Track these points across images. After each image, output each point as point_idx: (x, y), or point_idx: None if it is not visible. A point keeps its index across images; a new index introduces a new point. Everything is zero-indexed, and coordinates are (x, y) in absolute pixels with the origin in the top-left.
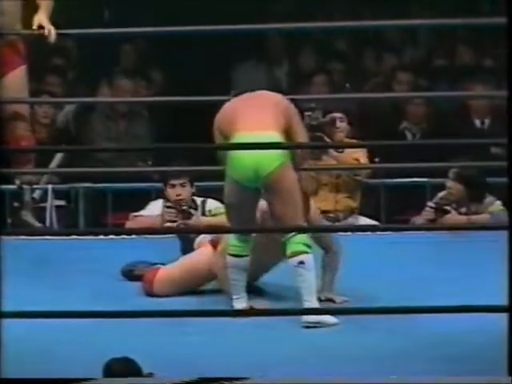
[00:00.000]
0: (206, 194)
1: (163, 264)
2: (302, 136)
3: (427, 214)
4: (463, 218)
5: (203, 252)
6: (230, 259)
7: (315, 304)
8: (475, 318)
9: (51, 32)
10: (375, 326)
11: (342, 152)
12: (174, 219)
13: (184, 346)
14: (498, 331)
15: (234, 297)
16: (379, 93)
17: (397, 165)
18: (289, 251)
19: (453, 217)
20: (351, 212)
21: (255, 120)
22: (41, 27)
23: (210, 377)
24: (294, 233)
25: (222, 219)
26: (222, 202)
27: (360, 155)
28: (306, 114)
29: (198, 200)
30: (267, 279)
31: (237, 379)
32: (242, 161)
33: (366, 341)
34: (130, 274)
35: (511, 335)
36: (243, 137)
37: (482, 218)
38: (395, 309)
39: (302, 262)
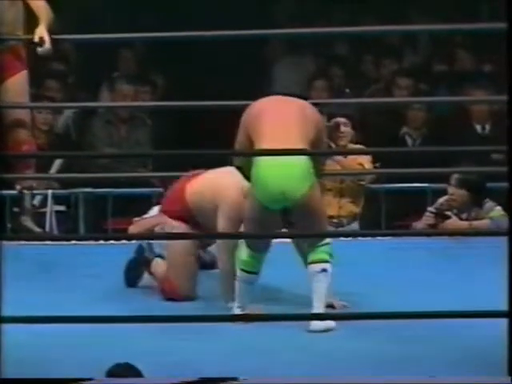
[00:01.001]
0: None
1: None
2: (324, 146)
3: (427, 219)
4: (464, 224)
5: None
6: (240, 273)
7: (323, 310)
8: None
9: (48, 46)
10: (376, 331)
11: (345, 157)
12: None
13: (183, 351)
14: (497, 334)
15: (238, 306)
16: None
17: (398, 170)
18: (314, 257)
19: (454, 222)
20: (354, 217)
21: (282, 136)
22: (41, 40)
23: (208, 377)
24: (319, 242)
25: None
26: None
27: (364, 160)
28: None
29: None
30: (271, 284)
31: (232, 379)
32: (269, 183)
33: (366, 345)
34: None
35: (511, 339)
36: (267, 162)
37: (483, 223)
38: (396, 314)
39: (324, 270)
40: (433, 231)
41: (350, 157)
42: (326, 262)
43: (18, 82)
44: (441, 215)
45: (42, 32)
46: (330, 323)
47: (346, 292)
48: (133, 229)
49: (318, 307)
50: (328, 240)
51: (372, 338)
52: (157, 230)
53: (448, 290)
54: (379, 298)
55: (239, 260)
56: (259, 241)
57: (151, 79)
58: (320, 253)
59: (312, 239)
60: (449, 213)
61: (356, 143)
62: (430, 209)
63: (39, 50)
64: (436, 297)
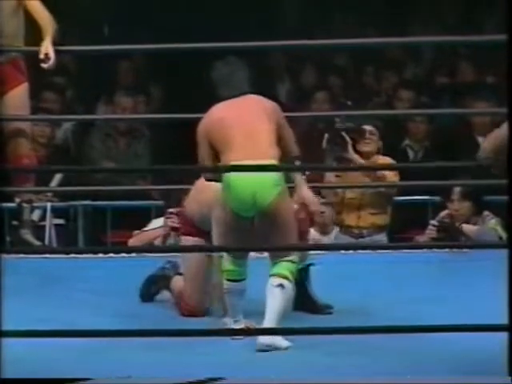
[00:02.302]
0: None
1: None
2: (290, 135)
3: (430, 232)
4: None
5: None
6: (227, 284)
7: (274, 325)
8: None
9: (52, 61)
10: (376, 345)
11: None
12: (177, 226)
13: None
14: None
15: (233, 319)
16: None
17: (411, 183)
18: (274, 270)
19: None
20: (378, 229)
21: (249, 144)
22: (47, 56)
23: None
24: (284, 257)
25: None
26: None
27: (386, 172)
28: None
29: None
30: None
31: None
32: (241, 191)
33: (365, 360)
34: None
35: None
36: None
37: (473, 228)
38: (397, 327)
39: (281, 285)
40: (432, 244)
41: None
42: (285, 278)
43: (19, 95)
44: (443, 229)
45: (47, 48)
46: (285, 342)
47: (346, 306)
48: (132, 242)
49: (270, 321)
50: (294, 258)
51: (371, 352)
52: (157, 243)
53: (448, 303)
54: (380, 311)
55: (224, 271)
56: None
57: (149, 90)
58: (282, 268)
59: (275, 254)
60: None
61: (383, 155)
62: (433, 222)
63: (44, 65)
64: (436, 310)
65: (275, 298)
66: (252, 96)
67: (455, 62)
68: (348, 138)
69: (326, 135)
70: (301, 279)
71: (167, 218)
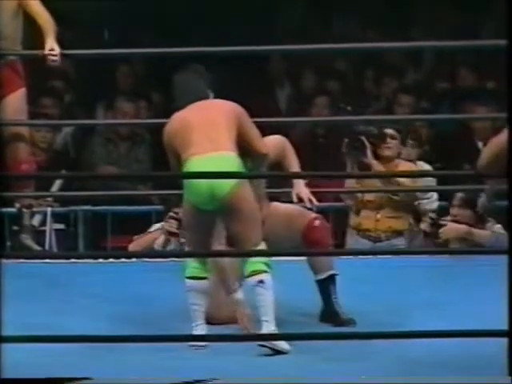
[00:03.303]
0: None
1: None
2: (254, 133)
3: (425, 226)
4: (463, 227)
5: None
6: (189, 282)
7: (273, 324)
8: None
9: (58, 58)
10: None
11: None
12: (175, 231)
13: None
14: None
15: (193, 324)
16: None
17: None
18: (248, 270)
19: (452, 226)
20: (397, 234)
21: (208, 139)
22: (52, 51)
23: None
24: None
25: None
26: None
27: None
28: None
29: None
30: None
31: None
32: (198, 184)
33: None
34: None
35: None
36: (197, 160)
37: (485, 234)
38: (395, 333)
39: (261, 281)
40: (434, 250)
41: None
42: (263, 272)
43: (18, 99)
44: (437, 225)
45: (52, 44)
46: (286, 345)
47: (345, 311)
48: (132, 247)
49: (267, 321)
50: (261, 246)
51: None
52: (156, 246)
53: (447, 308)
54: (378, 317)
55: (188, 269)
56: (200, 246)
57: (149, 96)
58: (255, 264)
59: (242, 245)
60: (445, 221)
61: (404, 160)
62: (430, 215)
63: (50, 62)
64: (435, 315)
65: (262, 296)
66: (211, 99)
67: (455, 67)
68: (367, 143)
69: (346, 139)
70: (327, 291)
71: (166, 221)
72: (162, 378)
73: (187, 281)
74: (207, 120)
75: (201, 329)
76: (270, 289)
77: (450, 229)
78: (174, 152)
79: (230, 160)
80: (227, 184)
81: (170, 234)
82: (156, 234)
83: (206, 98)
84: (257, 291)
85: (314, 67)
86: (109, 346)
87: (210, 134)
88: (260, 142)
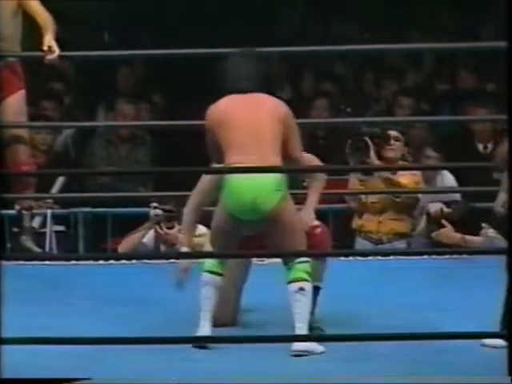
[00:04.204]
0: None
1: None
2: (296, 142)
3: (421, 223)
4: (457, 236)
5: None
6: (206, 276)
7: (306, 331)
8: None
9: (56, 54)
10: (376, 352)
11: (394, 173)
12: (160, 219)
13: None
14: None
15: (201, 323)
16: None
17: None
18: (291, 276)
19: (448, 233)
20: (399, 236)
21: (252, 146)
22: (50, 48)
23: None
24: (296, 260)
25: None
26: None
27: (406, 178)
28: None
29: None
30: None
31: None
32: (241, 195)
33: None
34: None
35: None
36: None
37: (476, 239)
38: (396, 335)
39: (302, 289)
40: (432, 250)
41: (400, 172)
42: (304, 280)
43: (17, 101)
44: (436, 222)
45: (50, 40)
46: (320, 347)
47: (344, 313)
48: (121, 247)
49: (301, 328)
50: (305, 259)
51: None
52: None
53: (447, 309)
54: (379, 318)
55: (206, 263)
56: (225, 250)
57: (150, 98)
58: (298, 271)
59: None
60: (444, 221)
61: (406, 161)
62: (428, 209)
63: (48, 58)
64: (436, 316)
65: (299, 302)
66: (263, 96)
67: (455, 68)
68: (370, 143)
69: (349, 140)
70: None
71: (153, 212)
72: (162, 378)
73: (204, 274)
74: (254, 121)
75: (207, 326)
76: (309, 297)
77: (445, 235)
78: (214, 140)
79: (272, 176)
80: (272, 199)
81: (157, 224)
82: (143, 232)
83: (254, 86)
84: (296, 297)
85: (314, 69)
86: (109, 347)
87: (255, 139)
88: (297, 151)
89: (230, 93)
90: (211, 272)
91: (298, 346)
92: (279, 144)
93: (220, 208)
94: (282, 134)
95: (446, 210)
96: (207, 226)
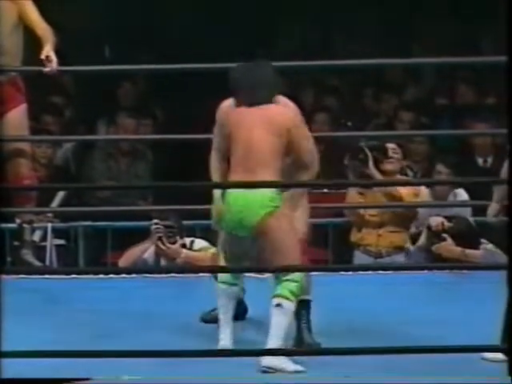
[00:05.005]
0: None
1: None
2: (305, 149)
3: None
4: (458, 250)
5: None
6: (221, 287)
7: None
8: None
9: (54, 66)
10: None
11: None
12: (161, 234)
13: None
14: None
15: (220, 335)
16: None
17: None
18: (275, 291)
19: (448, 246)
20: (398, 249)
21: (249, 164)
22: (48, 58)
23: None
24: (284, 277)
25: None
26: (209, 240)
27: (406, 192)
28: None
29: (187, 240)
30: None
31: None
32: (231, 210)
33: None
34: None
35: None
36: (235, 193)
37: (478, 253)
38: (395, 349)
39: (279, 305)
40: (432, 265)
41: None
42: (285, 298)
43: (19, 115)
44: (437, 235)
45: (48, 51)
46: (289, 364)
47: (344, 327)
48: (122, 262)
49: (271, 344)
50: (294, 276)
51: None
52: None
53: (448, 323)
54: (377, 332)
55: (220, 276)
56: (237, 262)
57: (152, 113)
58: (281, 288)
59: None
60: (445, 235)
61: (405, 175)
62: (430, 222)
63: (46, 69)
64: (437, 330)
65: (276, 318)
66: (266, 107)
67: (455, 83)
68: (370, 154)
69: (348, 153)
70: (298, 315)
71: (154, 228)
72: (162, 378)
73: (219, 285)
74: (251, 140)
75: (227, 339)
76: (288, 316)
77: (446, 249)
78: (225, 141)
79: (261, 194)
80: (257, 213)
81: (159, 247)
82: (144, 247)
83: (268, 94)
84: (274, 312)
85: (314, 84)
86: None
87: (252, 150)
88: (308, 156)
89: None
90: (226, 283)
91: (266, 361)
92: (280, 158)
93: (221, 223)
94: (283, 147)
95: (446, 223)
96: (207, 240)
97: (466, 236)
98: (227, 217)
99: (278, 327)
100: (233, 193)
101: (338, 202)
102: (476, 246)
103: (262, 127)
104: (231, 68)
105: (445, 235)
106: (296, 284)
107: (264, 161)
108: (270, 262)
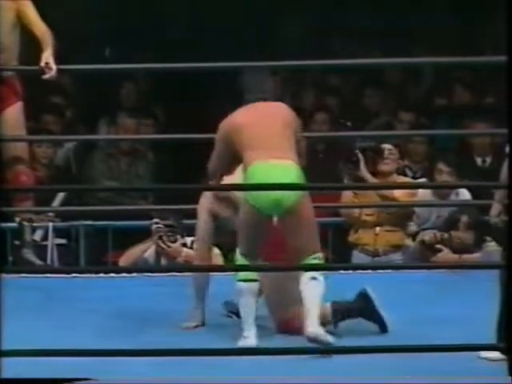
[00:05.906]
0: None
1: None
2: (301, 148)
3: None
4: (455, 257)
5: None
6: (241, 285)
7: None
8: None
9: (53, 72)
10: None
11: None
12: (162, 233)
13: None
14: None
15: (245, 333)
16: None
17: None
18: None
19: (446, 255)
20: (395, 248)
21: (271, 145)
22: (47, 65)
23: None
24: (311, 255)
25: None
26: None
27: (401, 193)
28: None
29: (188, 239)
30: None
31: None
32: (264, 191)
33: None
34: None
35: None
36: (261, 167)
37: (474, 257)
38: (395, 347)
39: (314, 278)
40: (430, 265)
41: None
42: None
43: (14, 114)
44: (431, 248)
45: (47, 57)
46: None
47: (342, 326)
48: (123, 261)
49: (313, 312)
50: (319, 255)
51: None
52: (147, 256)
53: (446, 322)
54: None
55: (239, 273)
56: (254, 247)
57: (153, 113)
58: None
59: (301, 253)
60: (440, 246)
61: (403, 175)
62: (425, 234)
63: (46, 76)
64: (435, 329)
65: (312, 289)
66: (273, 103)
67: (454, 83)
68: (361, 156)
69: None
70: None
71: (155, 227)
72: (162, 378)
73: (239, 284)
74: (268, 126)
75: (252, 337)
76: (321, 288)
77: (444, 259)
78: (230, 147)
79: (292, 171)
80: (294, 194)
81: (159, 246)
82: (145, 246)
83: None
84: (309, 284)
85: (314, 83)
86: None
87: (271, 140)
88: (303, 156)
89: (239, 104)
90: (246, 280)
91: (311, 330)
92: (294, 146)
93: (245, 205)
94: (293, 136)
95: (438, 235)
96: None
97: (479, 226)
98: (259, 197)
99: (317, 296)
100: (259, 171)
101: (336, 203)
102: (482, 241)
103: (275, 116)
104: (228, 69)
105: (440, 246)
106: (321, 261)
107: (285, 151)
108: (297, 238)
